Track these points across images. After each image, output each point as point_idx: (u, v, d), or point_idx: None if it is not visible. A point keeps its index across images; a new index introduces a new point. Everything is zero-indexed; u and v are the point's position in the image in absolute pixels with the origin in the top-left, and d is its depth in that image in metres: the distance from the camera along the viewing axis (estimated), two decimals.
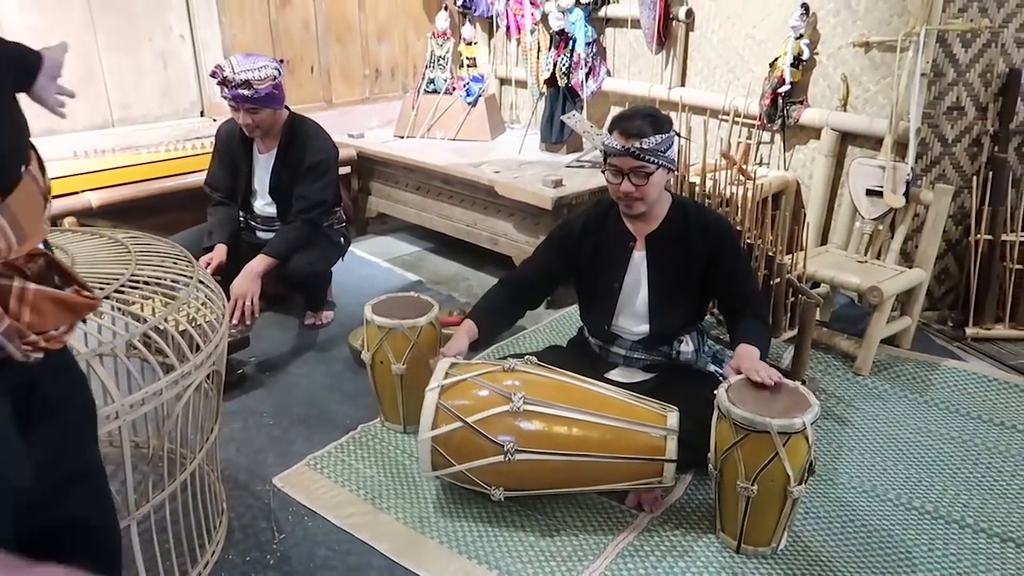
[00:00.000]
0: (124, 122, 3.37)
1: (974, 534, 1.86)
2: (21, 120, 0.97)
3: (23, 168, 0.92)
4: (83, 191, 2.96)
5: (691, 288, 2.09)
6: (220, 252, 2.74)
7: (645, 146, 1.88)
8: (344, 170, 3.72)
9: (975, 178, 2.85)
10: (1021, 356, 2.71)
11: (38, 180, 0.96)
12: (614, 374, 2.15)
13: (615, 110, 3.83)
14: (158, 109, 3.46)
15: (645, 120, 1.91)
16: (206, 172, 2.96)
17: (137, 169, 3.17)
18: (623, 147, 1.89)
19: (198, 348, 1.56)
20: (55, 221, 2.88)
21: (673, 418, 1.83)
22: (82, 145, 3.23)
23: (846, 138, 3.06)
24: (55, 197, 2.89)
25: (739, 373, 1.83)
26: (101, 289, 1.49)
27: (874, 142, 2.93)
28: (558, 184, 3.01)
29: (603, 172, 2.03)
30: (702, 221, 2.07)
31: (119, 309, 1.50)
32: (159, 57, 3.41)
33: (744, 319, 2.03)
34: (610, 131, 1.95)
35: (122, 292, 1.53)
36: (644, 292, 2.08)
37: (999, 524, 1.89)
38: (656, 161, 1.91)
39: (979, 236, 2.85)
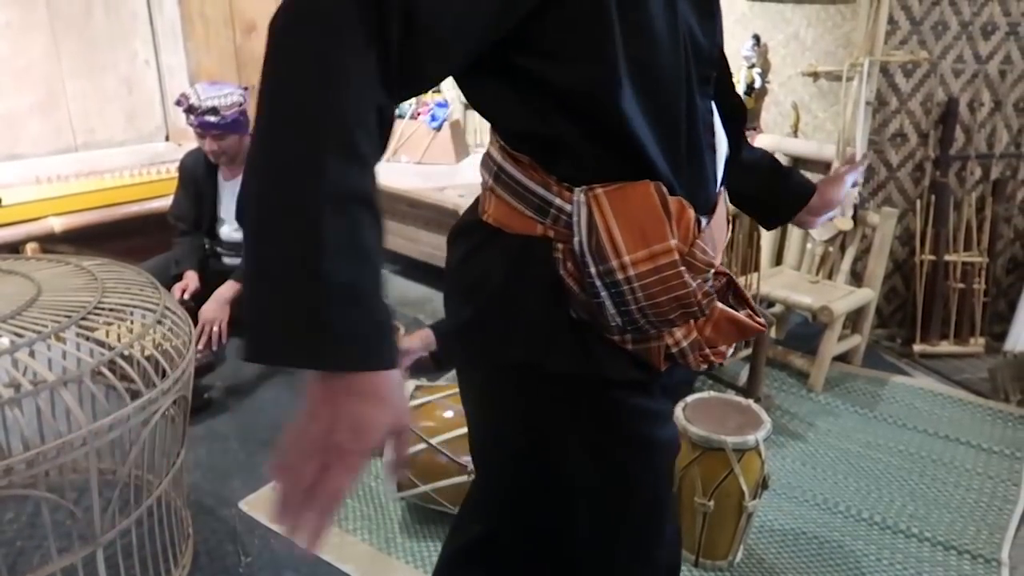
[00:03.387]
0: (88, 147, 3.37)
1: (919, 543, 1.95)
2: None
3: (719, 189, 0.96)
4: (46, 216, 2.95)
5: None
6: (192, 277, 2.76)
7: None
8: None
9: (919, 201, 2.98)
10: (965, 371, 2.83)
11: (727, 200, 1.00)
12: None
13: None
14: (122, 134, 3.47)
15: None
16: (171, 203, 2.97)
17: (101, 194, 3.16)
18: None
19: (164, 374, 1.58)
20: (16, 247, 2.87)
21: None
22: (45, 170, 3.22)
23: (797, 163, 3.18)
24: (15, 224, 2.89)
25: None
26: (68, 317, 1.51)
27: (823, 167, 3.05)
28: None
29: None
30: None
31: (86, 336, 1.52)
32: (123, 83, 3.41)
33: None
34: None
35: (88, 320, 1.55)
36: None
37: (943, 533, 1.98)
38: None
39: (924, 256, 2.97)
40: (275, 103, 0.64)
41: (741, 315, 0.95)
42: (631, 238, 0.82)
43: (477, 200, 0.95)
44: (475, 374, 0.99)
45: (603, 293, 0.83)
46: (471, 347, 0.94)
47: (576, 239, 0.82)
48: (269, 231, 0.62)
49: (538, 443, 0.93)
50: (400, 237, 3.68)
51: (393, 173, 3.70)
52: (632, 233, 0.82)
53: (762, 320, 0.98)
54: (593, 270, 0.82)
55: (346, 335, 0.60)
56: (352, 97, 0.63)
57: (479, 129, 4.43)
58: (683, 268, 0.84)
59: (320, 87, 0.62)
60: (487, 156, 0.92)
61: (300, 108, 0.62)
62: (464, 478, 1.83)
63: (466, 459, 1.83)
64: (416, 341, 2.07)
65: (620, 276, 0.82)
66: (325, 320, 0.59)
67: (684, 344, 0.90)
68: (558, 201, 0.83)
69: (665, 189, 0.83)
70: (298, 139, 0.62)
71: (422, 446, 1.86)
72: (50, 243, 2.94)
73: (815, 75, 3.03)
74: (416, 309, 3.42)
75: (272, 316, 0.61)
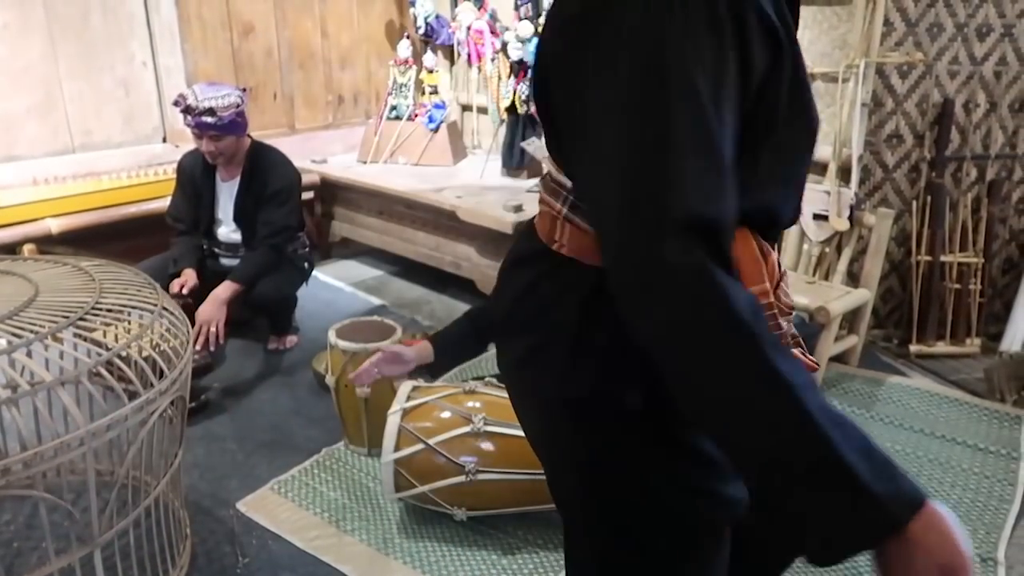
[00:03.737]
0: (85, 148, 3.37)
1: None
2: None
3: None
4: (42, 218, 2.95)
5: None
6: (190, 274, 2.76)
7: None
8: (307, 195, 3.75)
9: (915, 202, 2.99)
10: (961, 371, 2.84)
11: None
12: None
13: None
14: (120, 135, 3.47)
15: None
16: (169, 204, 2.98)
17: (98, 195, 3.16)
18: None
19: (162, 375, 1.58)
20: (13, 248, 2.87)
21: None
22: (42, 171, 3.22)
23: None
24: (12, 225, 2.89)
25: None
26: (65, 317, 1.51)
27: (820, 168, 3.06)
28: (519, 209, 3.08)
29: None
30: None
31: (83, 337, 1.52)
32: (121, 84, 3.42)
33: None
34: None
35: (85, 320, 1.55)
36: None
37: None
38: None
39: (920, 257, 2.98)
40: (699, 361, 0.70)
41: (797, 353, 0.94)
42: None
43: (531, 226, 0.93)
44: (534, 408, 0.97)
45: None
46: (536, 378, 0.91)
47: None
48: (765, 446, 0.68)
49: (601, 482, 0.90)
50: (397, 238, 3.68)
51: (390, 174, 3.71)
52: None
53: (815, 359, 0.98)
54: None
55: (880, 495, 0.65)
56: (748, 313, 0.68)
57: (476, 131, 4.44)
58: (776, 311, 0.83)
59: (720, 323, 0.68)
60: (555, 183, 0.89)
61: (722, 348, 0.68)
62: (461, 478, 1.83)
63: (463, 459, 1.83)
64: (411, 351, 2.00)
65: None
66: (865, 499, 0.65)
67: None
68: None
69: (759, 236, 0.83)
70: (738, 371, 0.68)
71: (420, 446, 1.86)
72: (47, 244, 2.94)
73: (811, 76, 3.04)
74: (413, 310, 3.42)
75: (823, 519, 0.66)
